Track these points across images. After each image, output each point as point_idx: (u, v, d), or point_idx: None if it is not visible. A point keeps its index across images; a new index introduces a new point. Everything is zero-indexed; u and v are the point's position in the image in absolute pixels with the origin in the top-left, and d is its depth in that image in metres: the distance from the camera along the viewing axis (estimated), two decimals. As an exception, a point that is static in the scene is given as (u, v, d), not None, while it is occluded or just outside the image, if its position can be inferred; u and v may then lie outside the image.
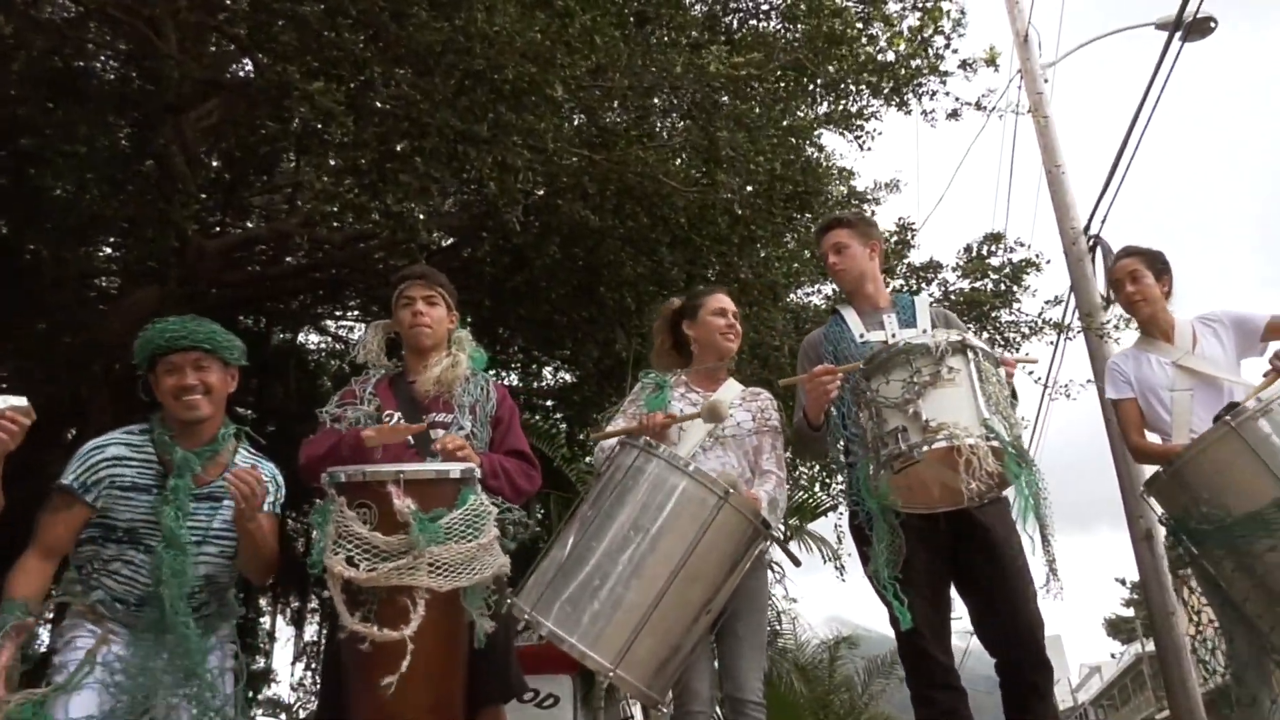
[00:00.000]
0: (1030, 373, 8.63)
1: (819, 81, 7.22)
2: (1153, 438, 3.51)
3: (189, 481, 2.70)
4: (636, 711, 9.93)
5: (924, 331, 3.16)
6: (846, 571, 10.06)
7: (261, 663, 12.57)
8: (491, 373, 3.33)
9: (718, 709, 3.50)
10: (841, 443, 3.07)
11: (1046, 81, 9.83)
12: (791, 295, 8.69)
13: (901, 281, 8.70)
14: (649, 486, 2.73)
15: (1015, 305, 8.95)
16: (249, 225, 7.66)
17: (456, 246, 7.87)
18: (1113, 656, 47.62)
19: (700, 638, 2.84)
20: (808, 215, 8.16)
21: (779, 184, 6.78)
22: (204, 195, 6.55)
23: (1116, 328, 8.39)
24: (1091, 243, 8.99)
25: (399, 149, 5.35)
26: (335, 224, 6.36)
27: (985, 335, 8.66)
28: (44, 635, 4.14)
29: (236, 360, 2.86)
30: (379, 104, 5.19)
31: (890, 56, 7.32)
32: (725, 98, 6.54)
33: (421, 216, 5.90)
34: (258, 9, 4.93)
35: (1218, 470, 2.89)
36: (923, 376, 2.65)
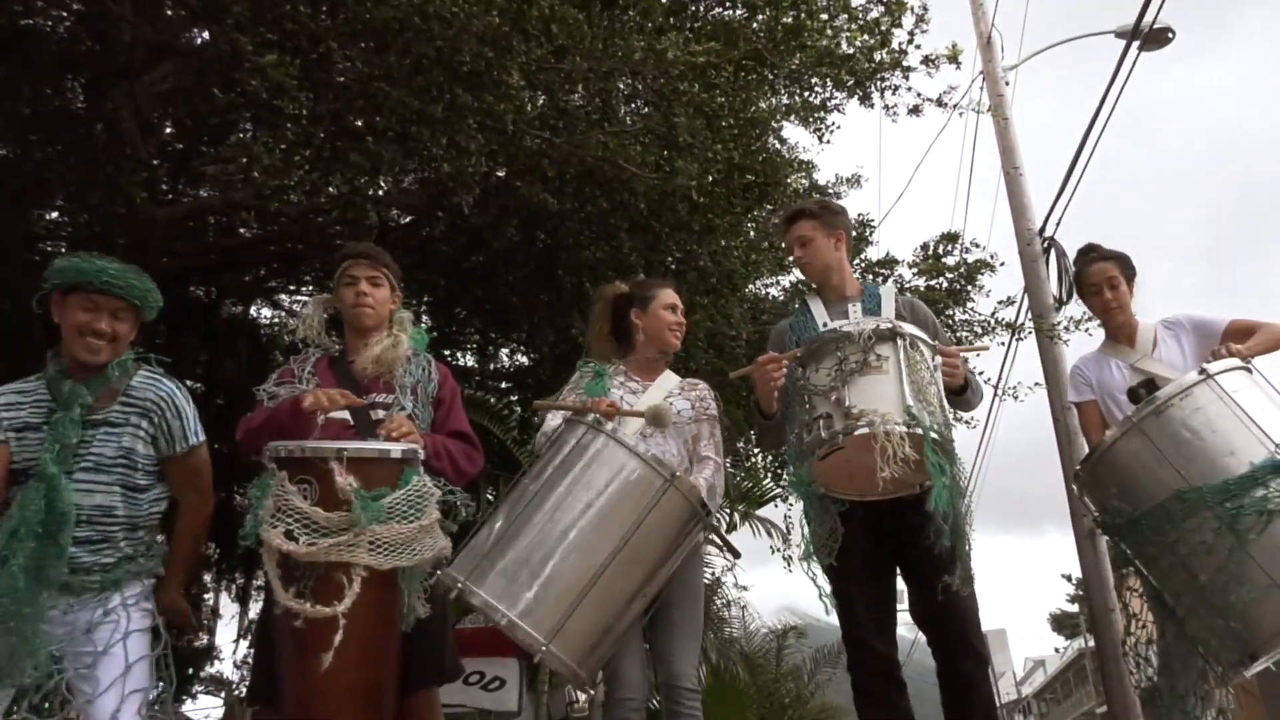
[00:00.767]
0: (981, 371, 8.75)
1: (780, 73, 7.21)
2: None
3: (75, 413, 2.68)
4: (581, 696, 9.98)
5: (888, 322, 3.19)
6: (795, 562, 10.13)
7: (205, 639, 12.43)
8: (447, 353, 3.32)
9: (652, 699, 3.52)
10: None
11: (1008, 84, 9.94)
12: (750, 285, 8.72)
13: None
14: (595, 463, 2.71)
15: (969, 305, 9.05)
16: (202, 195, 7.51)
17: (414, 225, 7.80)
18: (1056, 651, 48.59)
19: (633, 622, 2.83)
20: (768, 206, 8.18)
21: (738, 174, 6.78)
22: (155, 162, 6.41)
23: (1067, 329, 8.53)
24: (1046, 244, 9.13)
25: (355, 126, 5.27)
26: (288, 199, 6.28)
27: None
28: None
29: (147, 317, 2.88)
30: (335, 79, 5.11)
31: (852, 50, 7.33)
32: (686, 85, 6.53)
33: (371, 194, 5.83)
34: (211, -26, 4.82)
35: (1125, 464, 2.94)
36: (849, 364, 2.66)
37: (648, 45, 5.72)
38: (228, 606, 12.05)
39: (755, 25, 6.80)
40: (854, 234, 8.91)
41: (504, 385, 9.85)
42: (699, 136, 6.25)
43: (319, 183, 4.94)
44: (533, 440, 8.09)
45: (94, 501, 2.69)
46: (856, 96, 8.15)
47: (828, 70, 7.46)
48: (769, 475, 9.68)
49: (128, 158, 5.46)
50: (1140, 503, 2.87)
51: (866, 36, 7.55)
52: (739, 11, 7.19)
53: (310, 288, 8.99)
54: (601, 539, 2.62)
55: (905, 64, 8.08)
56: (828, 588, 2.83)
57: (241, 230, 7.68)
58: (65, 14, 5.47)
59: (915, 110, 8.46)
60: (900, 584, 3.22)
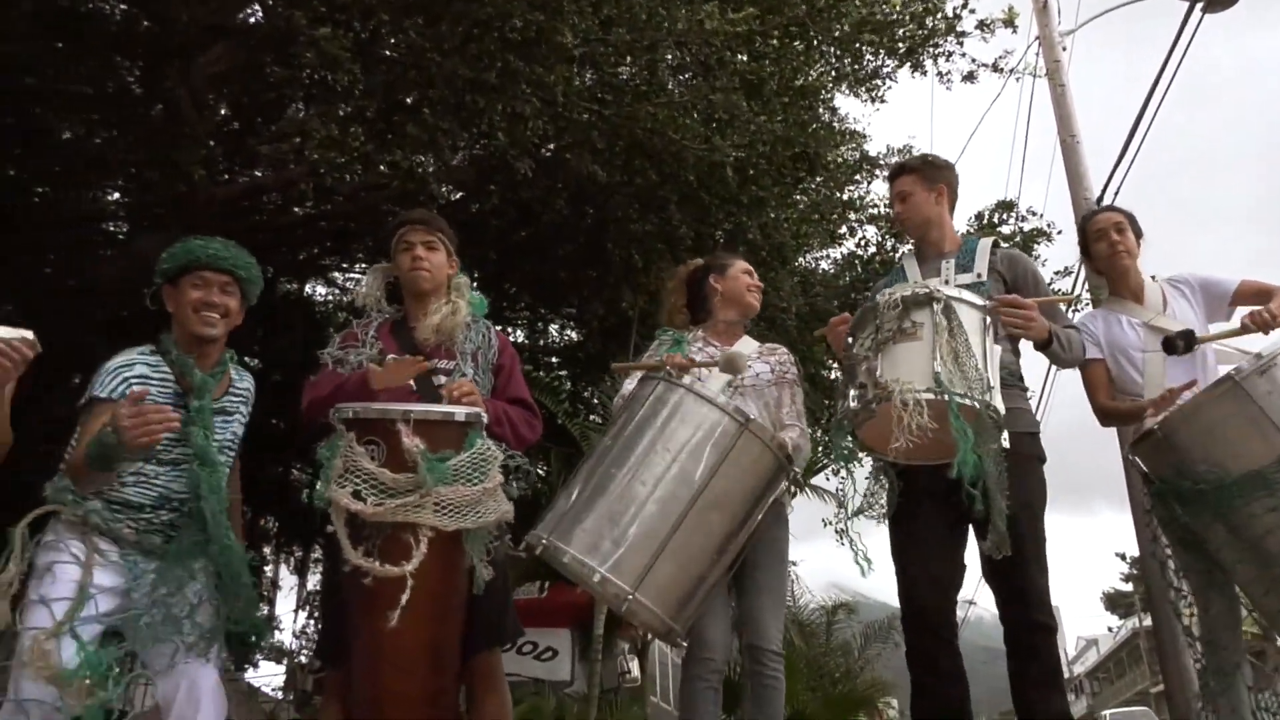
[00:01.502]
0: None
1: (826, 40, 7.11)
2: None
3: (209, 403, 2.78)
4: (634, 666, 10.06)
5: (979, 276, 3.11)
6: (845, 536, 10.05)
7: (265, 610, 12.74)
8: (498, 328, 3.32)
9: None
10: None
11: (1064, 50, 9.68)
12: (800, 259, 8.65)
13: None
14: (670, 414, 2.70)
15: (1024, 275, 8.85)
16: (257, 174, 7.62)
17: (465, 200, 7.83)
18: (1110, 630, 47.96)
19: (720, 577, 2.80)
20: (817, 178, 8.09)
21: (783, 146, 6.71)
22: (212, 142, 6.51)
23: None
24: (1104, 214, 8.90)
25: (407, 100, 5.30)
26: (343, 175, 6.34)
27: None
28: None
29: (250, 299, 2.95)
30: (386, 52, 5.14)
31: (897, 15, 7.21)
32: (739, 55, 6.46)
33: (430, 168, 5.87)
34: (265, -48, 4.87)
35: (1213, 428, 2.81)
36: (884, 332, 2.61)
37: (689, 15, 5.67)
38: (286, 578, 12.33)
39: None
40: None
41: (553, 360, 9.90)
42: (740, 112, 6.18)
43: (374, 155, 4.98)
44: (585, 414, 8.08)
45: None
46: (909, 64, 8.02)
47: (875, 37, 7.35)
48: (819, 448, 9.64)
49: (184, 136, 5.54)
50: (1232, 466, 2.74)
51: (917, 3, 7.42)
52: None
53: (363, 265, 9.09)
54: (681, 486, 2.60)
55: (959, 29, 7.93)
56: (858, 549, 2.79)
57: (296, 209, 7.78)
58: (122, -4, 5.56)
59: (970, 76, 8.30)
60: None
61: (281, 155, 6.87)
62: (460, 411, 2.59)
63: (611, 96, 6.22)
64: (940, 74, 8.14)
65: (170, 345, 2.84)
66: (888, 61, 7.99)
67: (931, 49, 7.95)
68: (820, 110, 7.96)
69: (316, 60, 4.74)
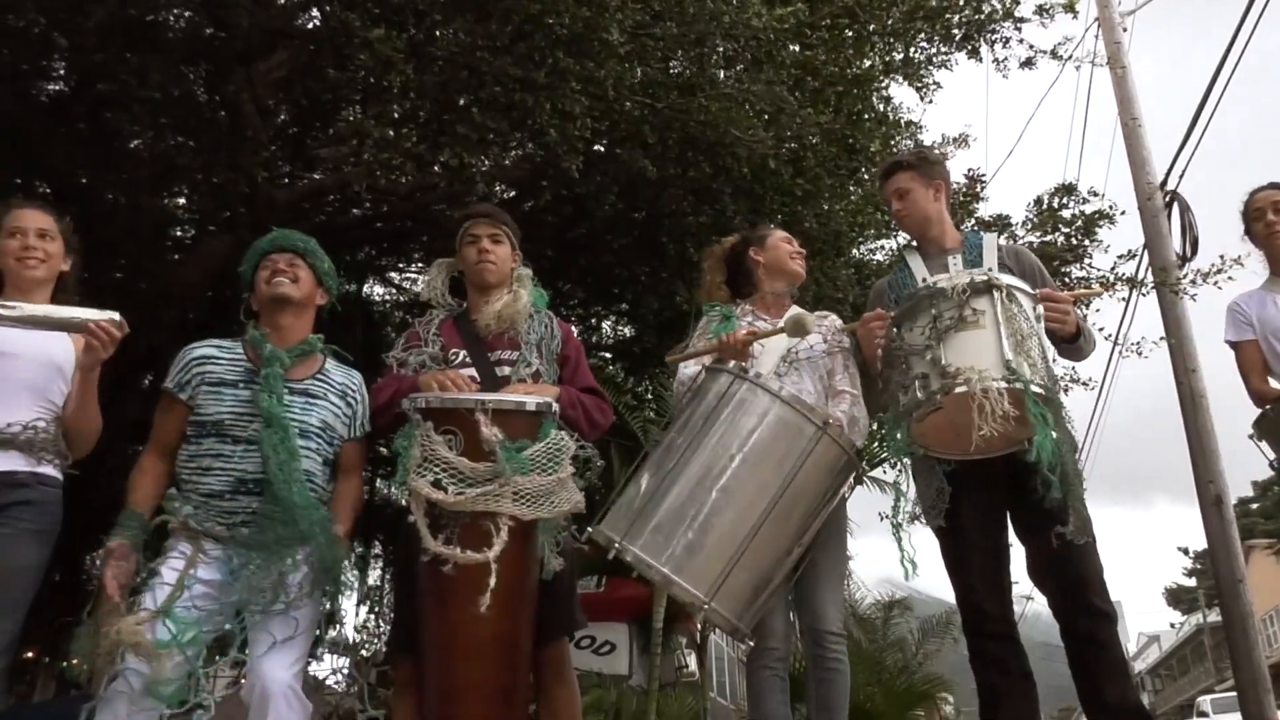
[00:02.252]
0: (1101, 327, 8.36)
1: (879, 28, 7.02)
2: (1275, 384, 3.35)
3: (278, 370, 2.82)
4: (691, 660, 10.06)
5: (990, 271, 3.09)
6: (900, 532, 9.94)
7: (328, 605, 12.95)
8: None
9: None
10: None
11: (1125, 30, 9.49)
12: (856, 249, 8.56)
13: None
14: (742, 413, 2.67)
15: (1087, 260, 8.68)
16: (316, 177, 7.76)
17: (518, 199, 7.90)
18: (1172, 626, 46.87)
19: (787, 574, 2.81)
20: (872, 170, 8.00)
21: (835, 140, 6.65)
22: (273, 146, 6.65)
23: (1194, 283, 8.11)
24: (1168, 199, 8.70)
25: (459, 101, 5.35)
26: (398, 176, 6.43)
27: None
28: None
29: (326, 274, 3.07)
30: (438, 52, 5.20)
31: (948, 1, 7.10)
32: (790, 47, 6.42)
33: (483, 168, 5.92)
34: (326, -44, 4.96)
35: None
36: (944, 321, 2.58)
37: (736, 11, 5.64)
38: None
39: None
40: (964, 191, 8.72)
41: (607, 355, 9.93)
42: (787, 105, 6.12)
43: (427, 155, 5.04)
44: (643, 410, 8.08)
45: (303, 465, 2.81)
46: (965, 50, 7.90)
47: (928, 24, 7.24)
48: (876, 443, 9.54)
49: (248, 140, 5.67)
50: None
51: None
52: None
53: (420, 264, 9.21)
54: (756, 491, 2.59)
55: (1017, 14, 7.79)
56: (913, 553, 2.76)
57: (354, 210, 7.90)
58: (187, 3, 5.70)
59: (1028, 63, 8.14)
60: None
61: (339, 158, 6.99)
62: (531, 400, 2.62)
63: (662, 91, 6.22)
64: (997, 61, 8.01)
65: (251, 329, 2.95)
66: (942, 49, 7.87)
67: (988, 35, 7.82)
68: (874, 100, 7.87)
69: (370, 62, 4.81)
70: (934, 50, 7.83)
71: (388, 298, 10.38)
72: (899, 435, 2.66)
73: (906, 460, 2.80)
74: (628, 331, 9.76)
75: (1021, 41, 7.88)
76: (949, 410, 2.53)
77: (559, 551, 2.70)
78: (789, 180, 6.79)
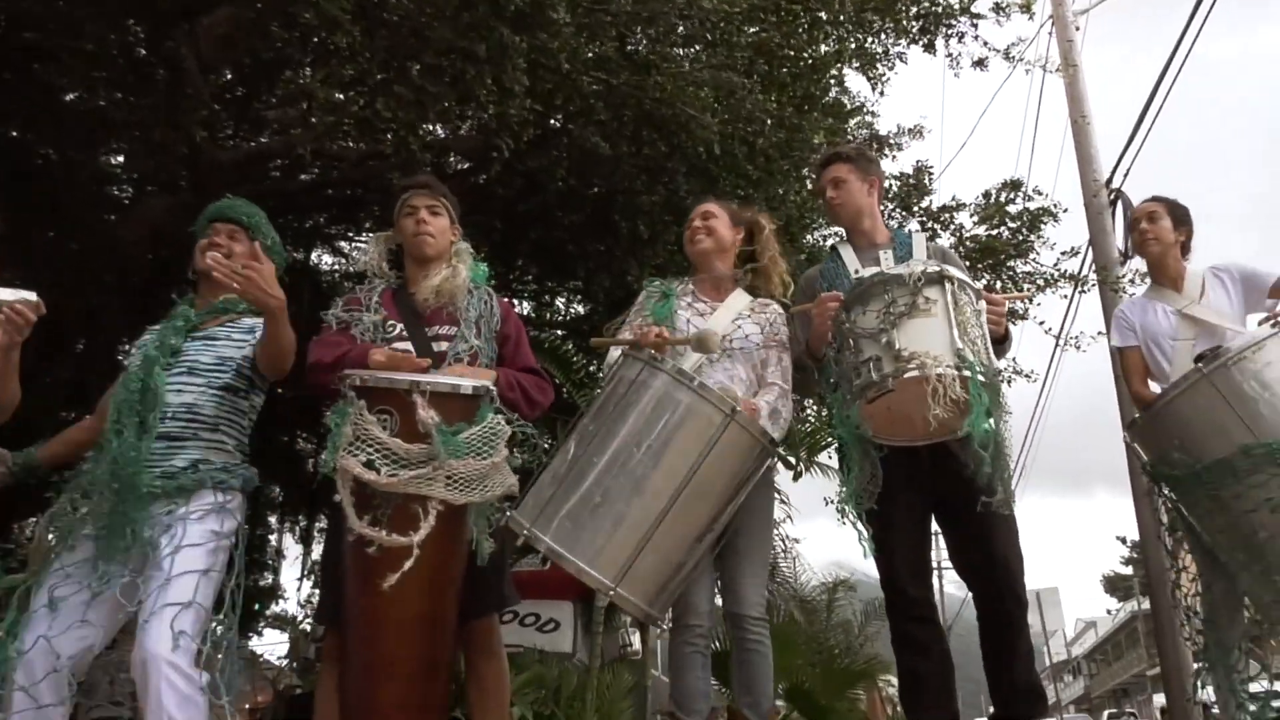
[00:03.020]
0: (1025, 312, 8.51)
1: (833, 16, 7.02)
2: (1155, 387, 3.50)
3: (178, 323, 2.90)
4: (635, 639, 10.10)
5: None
6: (847, 516, 10.04)
7: (269, 579, 12.83)
8: (504, 298, 3.28)
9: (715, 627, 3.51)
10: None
11: (1078, 29, 9.61)
12: (808, 236, 8.58)
13: (916, 224, 8.57)
14: (653, 401, 2.69)
15: (1031, 256, 8.83)
16: (262, 140, 7.58)
17: (471, 170, 7.79)
18: (1109, 613, 48.18)
19: (702, 556, 2.83)
20: (815, 159, 8.00)
21: (788, 128, 6.65)
22: (216, 106, 6.47)
23: (1133, 282, 8.28)
24: (1113, 196, 8.85)
25: (406, 66, 5.23)
26: (346, 141, 6.29)
27: (1000, 285, 8.56)
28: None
29: (270, 249, 3.05)
30: (386, 15, 5.08)
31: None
32: (745, 29, 6.38)
33: (426, 137, 5.79)
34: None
35: (1191, 416, 2.90)
36: (898, 307, 2.64)
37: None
38: (291, 547, 12.39)
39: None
40: (914, 180, 8.78)
41: (560, 334, 9.88)
42: (738, 88, 6.09)
43: (372, 120, 4.93)
44: (590, 387, 8.07)
45: (182, 399, 2.80)
46: (921, 44, 7.93)
47: (879, 16, 7.25)
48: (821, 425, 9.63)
49: (188, 97, 5.50)
50: (1203, 455, 2.83)
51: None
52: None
53: (369, 233, 9.06)
54: (664, 478, 2.61)
55: (974, 10, 7.84)
56: (868, 533, 2.81)
57: (302, 175, 7.74)
58: (127, -47, 5.49)
59: (980, 63, 8.21)
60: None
61: (286, 120, 6.83)
62: (468, 383, 2.58)
63: (617, 67, 6.15)
64: (951, 56, 8.06)
65: (179, 299, 3.04)
66: (897, 40, 7.90)
67: (945, 29, 7.85)
68: (829, 84, 7.87)
69: (317, 20, 4.69)
70: (890, 41, 7.84)
71: (336, 267, 10.21)
72: (849, 415, 2.71)
73: (849, 440, 2.83)
74: (580, 309, 9.71)
75: (977, 38, 7.94)
76: (897, 394, 2.60)
77: (491, 533, 2.67)
78: (743, 161, 6.77)
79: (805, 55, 6.83)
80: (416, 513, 2.39)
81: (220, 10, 5.57)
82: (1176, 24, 7.64)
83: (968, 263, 7.83)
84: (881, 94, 8.24)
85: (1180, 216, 3.63)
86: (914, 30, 7.76)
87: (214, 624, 2.61)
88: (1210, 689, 3.03)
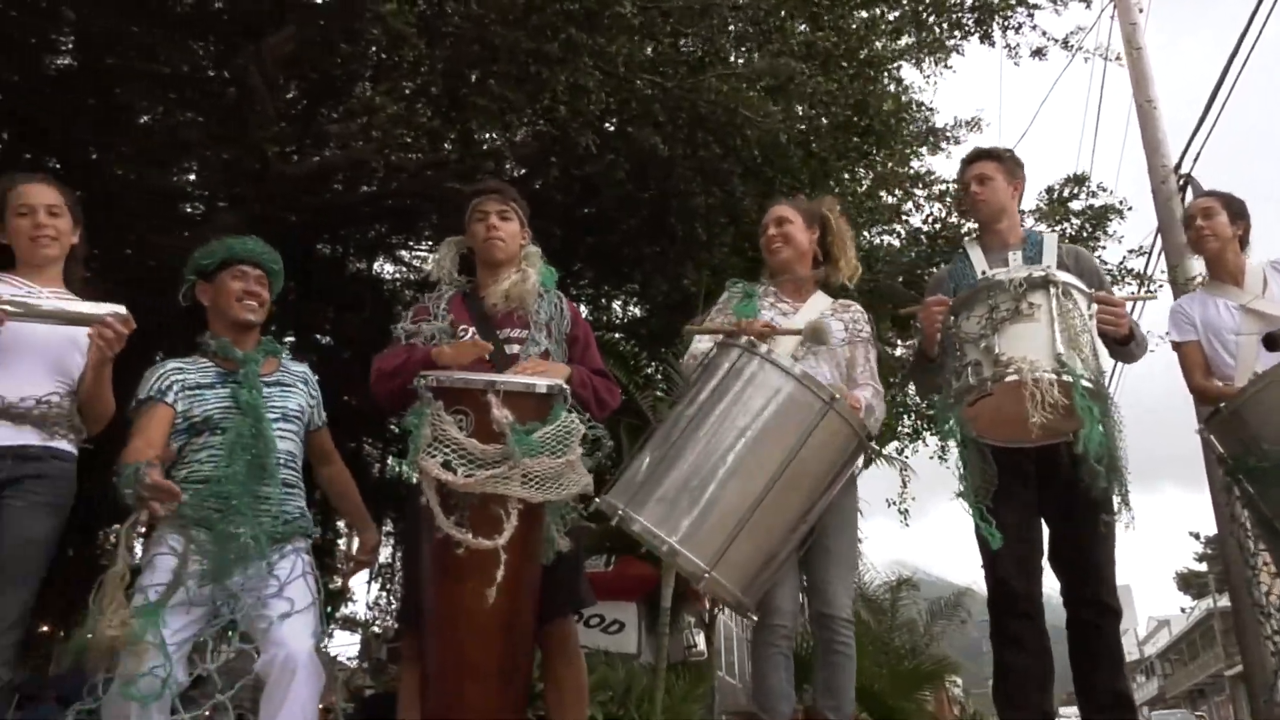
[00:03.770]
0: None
1: (893, 9, 6.98)
2: (1217, 382, 3.45)
3: (255, 368, 2.92)
4: (700, 640, 10.10)
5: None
6: (910, 516, 9.97)
7: (339, 582, 13.10)
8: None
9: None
10: None
11: (1141, 11, 9.36)
12: (864, 234, 8.52)
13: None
14: (751, 387, 2.68)
15: (1097, 253, 8.65)
16: (326, 153, 7.74)
17: (528, 177, 7.87)
18: (1183, 611, 46.85)
19: (793, 550, 2.81)
20: (884, 152, 7.95)
21: (851, 110, 6.61)
22: (282, 122, 6.62)
23: (1203, 281, 8.04)
24: (1181, 182, 8.62)
25: (472, 76, 5.32)
26: (409, 153, 6.39)
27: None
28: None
29: (277, 290, 3.15)
30: (449, 28, 5.16)
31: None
32: (798, 24, 6.37)
33: (487, 146, 5.88)
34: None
35: (1276, 407, 2.83)
36: (1000, 312, 2.65)
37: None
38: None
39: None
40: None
41: (616, 336, 9.92)
42: (797, 74, 6.07)
43: (441, 131, 5.02)
44: (652, 389, 8.06)
45: (285, 447, 2.89)
46: (978, 35, 7.84)
47: (941, 7, 7.19)
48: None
49: (256, 114, 5.65)
50: None
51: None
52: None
53: (430, 242, 9.19)
54: (761, 464, 2.60)
55: (1031, 1, 7.73)
56: (989, 520, 2.79)
57: (364, 187, 7.89)
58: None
59: (1039, 52, 8.08)
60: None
61: (350, 134, 6.97)
62: (542, 383, 2.59)
63: (672, 68, 6.17)
64: (1009, 47, 7.94)
65: (207, 340, 3.00)
66: (954, 33, 7.82)
67: (1001, 20, 7.75)
68: (886, 81, 7.81)
69: (382, 36, 4.79)
70: (945, 35, 7.77)
71: (398, 276, 10.37)
72: (950, 417, 2.73)
73: (954, 442, 2.83)
74: (637, 312, 9.74)
75: (1034, 28, 7.82)
76: (998, 398, 2.61)
77: (566, 531, 2.69)
78: (799, 162, 6.75)
79: (861, 53, 6.79)
80: (498, 515, 2.39)
81: (286, 28, 5.71)
82: (1242, 3, 7.42)
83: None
84: (934, 83, 8.19)
85: (1237, 210, 3.57)
86: (969, 23, 7.68)
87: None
88: None
